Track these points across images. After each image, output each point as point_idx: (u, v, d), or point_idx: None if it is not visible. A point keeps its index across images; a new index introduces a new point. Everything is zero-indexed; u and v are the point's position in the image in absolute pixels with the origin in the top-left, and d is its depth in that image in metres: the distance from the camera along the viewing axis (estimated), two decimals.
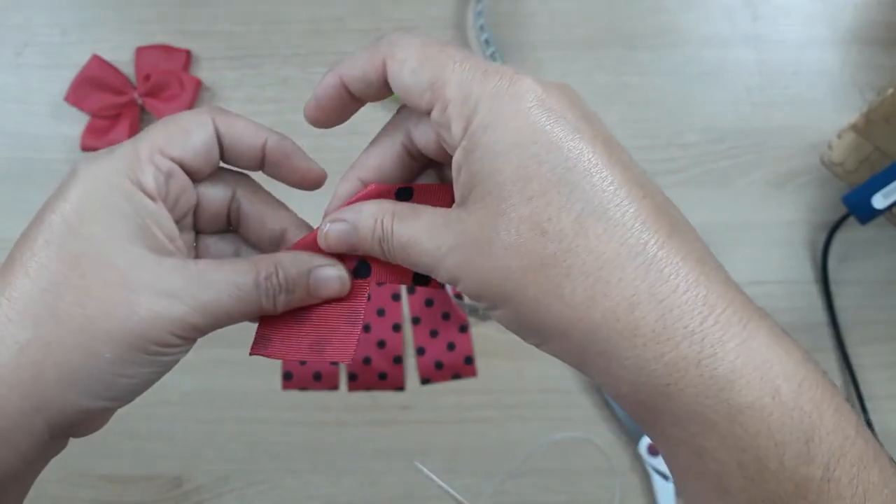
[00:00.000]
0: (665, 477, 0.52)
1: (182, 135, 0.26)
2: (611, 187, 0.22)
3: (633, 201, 0.22)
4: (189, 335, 0.25)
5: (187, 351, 0.26)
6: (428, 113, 0.24)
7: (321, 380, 0.53)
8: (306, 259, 0.26)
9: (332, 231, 0.26)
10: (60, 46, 0.59)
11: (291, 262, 0.26)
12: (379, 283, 0.28)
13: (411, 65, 0.23)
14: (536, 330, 0.23)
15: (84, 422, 0.25)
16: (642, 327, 0.21)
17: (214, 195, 0.28)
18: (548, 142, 0.22)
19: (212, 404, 0.52)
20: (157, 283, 0.24)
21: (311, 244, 0.27)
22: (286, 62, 0.59)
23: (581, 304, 0.21)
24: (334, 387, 0.53)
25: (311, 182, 0.29)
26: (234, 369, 0.53)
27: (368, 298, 0.53)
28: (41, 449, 0.24)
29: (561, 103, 0.23)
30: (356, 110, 0.27)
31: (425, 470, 0.51)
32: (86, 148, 0.56)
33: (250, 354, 0.29)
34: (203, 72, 0.59)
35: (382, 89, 0.25)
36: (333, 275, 0.26)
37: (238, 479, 0.51)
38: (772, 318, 0.23)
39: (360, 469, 0.52)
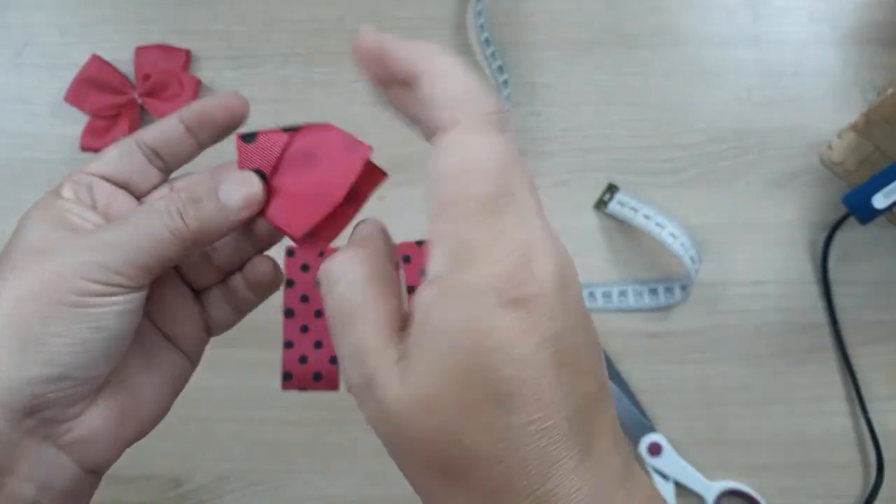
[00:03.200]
0: (665, 477, 0.52)
1: (100, 155, 0.28)
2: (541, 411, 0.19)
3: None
4: (108, 279, 0.24)
5: (127, 304, 0.25)
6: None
7: (321, 380, 0.53)
8: (217, 172, 0.26)
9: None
10: (60, 46, 0.59)
11: (197, 178, 0.27)
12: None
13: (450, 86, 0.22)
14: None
15: (45, 410, 0.24)
16: None
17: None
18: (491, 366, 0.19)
19: (211, 404, 0.52)
20: (65, 244, 0.25)
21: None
22: (286, 62, 0.59)
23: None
24: (334, 387, 0.53)
25: (237, 109, 0.29)
26: (234, 369, 0.53)
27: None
28: (23, 457, 0.24)
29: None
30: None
31: None
32: (85, 148, 0.56)
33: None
34: (203, 71, 0.59)
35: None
36: (241, 183, 0.25)
37: (237, 479, 0.51)
38: None
39: (359, 469, 0.52)
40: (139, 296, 0.25)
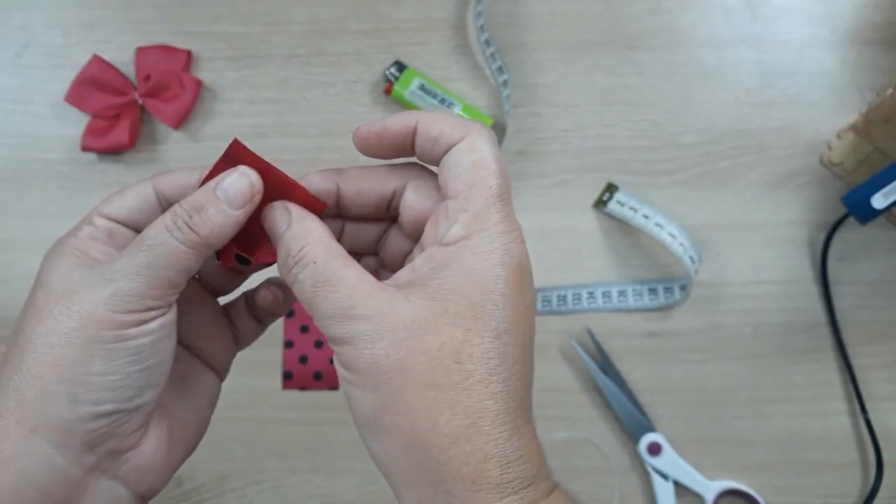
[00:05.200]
0: (665, 476, 0.52)
1: (119, 197, 0.28)
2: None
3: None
4: (137, 306, 0.25)
5: (161, 329, 0.25)
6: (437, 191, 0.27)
7: (321, 379, 0.53)
8: (210, 182, 0.27)
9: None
10: (61, 47, 0.59)
11: (193, 192, 0.27)
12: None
13: (477, 157, 0.26)
14: (380, 427, 0.24)
15: (101, 444, 0.25)
16: (484, 477, 0.23)
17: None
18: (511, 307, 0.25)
19: None
20: (88, 282, 0.25)
21: (215, 172, 0.27)
22: (287, 63, 0.59)
23: (445, 436, 0.23)
24: (334, 387, 0.53)
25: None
26: (235, 369, 0.53)
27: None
28: (85, 493, 0.25)
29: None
30: (394, 157, 0.28)
31: None
32: (86, 148, 0.56)
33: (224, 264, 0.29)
34: (203, 72, 0.59)
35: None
36: (237, 177, 0.26)
37: (238, 479, 0.51)
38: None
39: (360, 468, 0.52)
40: (171, 316, 0.26)
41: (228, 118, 0.58)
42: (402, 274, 0.25)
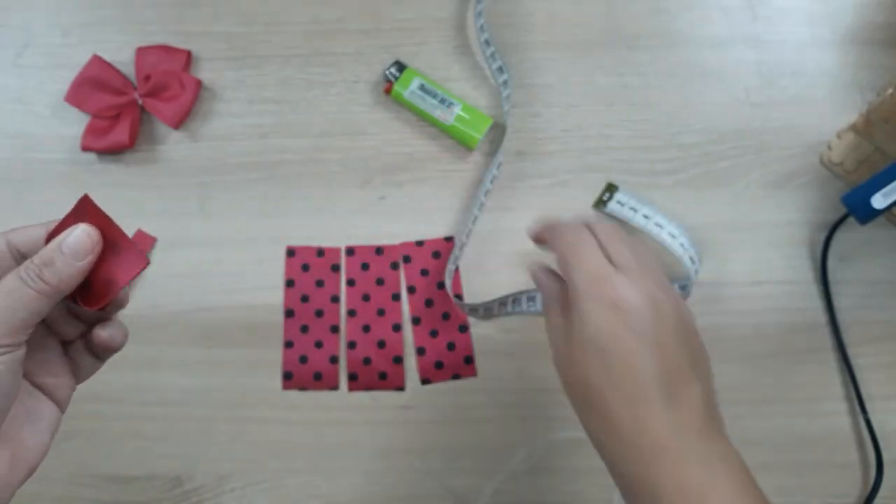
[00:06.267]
0: None
1: None
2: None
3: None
4: None
5: (8, 364, 0.28)
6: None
7: (321, 380, 0.53)
8: (56, 238, 0.31)
9: None
10: (61, 47, 0.59)
11: (44, 248, 0.31)
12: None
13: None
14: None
15: None
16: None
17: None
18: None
19: (212, 404, 0.52)
20: None
21: (63, 226, 0.31)
22: (287, 63, 0.59)
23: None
24: (334, 387, 0.53)
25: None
26: (234, 369, 0.53)
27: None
28: None
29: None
30: None
31: (424, 468, 0.51)
32: (86, 148, 0.56)
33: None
34: (203, 72, 0.59)
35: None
36: (78, 232, 0.30)
37: (238, 479, 0.51)
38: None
39: (360, 469, 0.52)
40: (20, 353, 0.29)
41: (228, 118, 0.58)
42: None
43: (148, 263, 0.32)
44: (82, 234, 0.31)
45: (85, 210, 0.31)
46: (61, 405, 0.33)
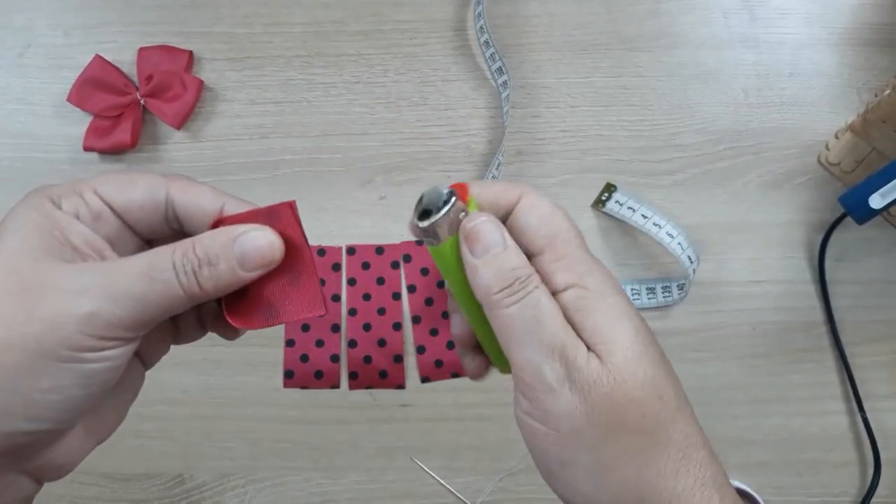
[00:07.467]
0: None
1: (127, 184, 0.25)
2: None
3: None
4: (109, 333, 0.22)
5: (121, 358, 0.23)
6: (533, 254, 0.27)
7: (322, 378, 0.53)
8: (230, 228, 0.24)
9: None
10: (63, 47, 0.59)
11: (212, 235, 0.24)
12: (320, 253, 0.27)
13: (542, 211, 0.27)
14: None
15: (22, 451, 0.23)
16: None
17: (144, 205, 0.26)
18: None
19: (213, 402, 0.53)
20: (62, 282, 0.22)
21: (244, 219, 0.25)
22: (288, 63, 0.59)
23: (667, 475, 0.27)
24: (335, 385, 0.53)
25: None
26: (236, 367, 0.53)
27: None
28: None
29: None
30: None
31: (424, 467, 0.52)
32: (88, 148, 0.56)
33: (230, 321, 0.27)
34: (205, 72, 0.59)
35: (504, 216, 0.28)
36: (260, 238, 0.24)
37: (239, 477, 0.52)
38: None
39: (360, 467, 0.52)
40: (134, 346, 0.24)
41: (230, 118, 0.58)
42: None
43: (325, 314, 0.26)
44: (264, 242, 0.24)
45: (279, 215, 0.25)
46: (148, 365, 0.28)
